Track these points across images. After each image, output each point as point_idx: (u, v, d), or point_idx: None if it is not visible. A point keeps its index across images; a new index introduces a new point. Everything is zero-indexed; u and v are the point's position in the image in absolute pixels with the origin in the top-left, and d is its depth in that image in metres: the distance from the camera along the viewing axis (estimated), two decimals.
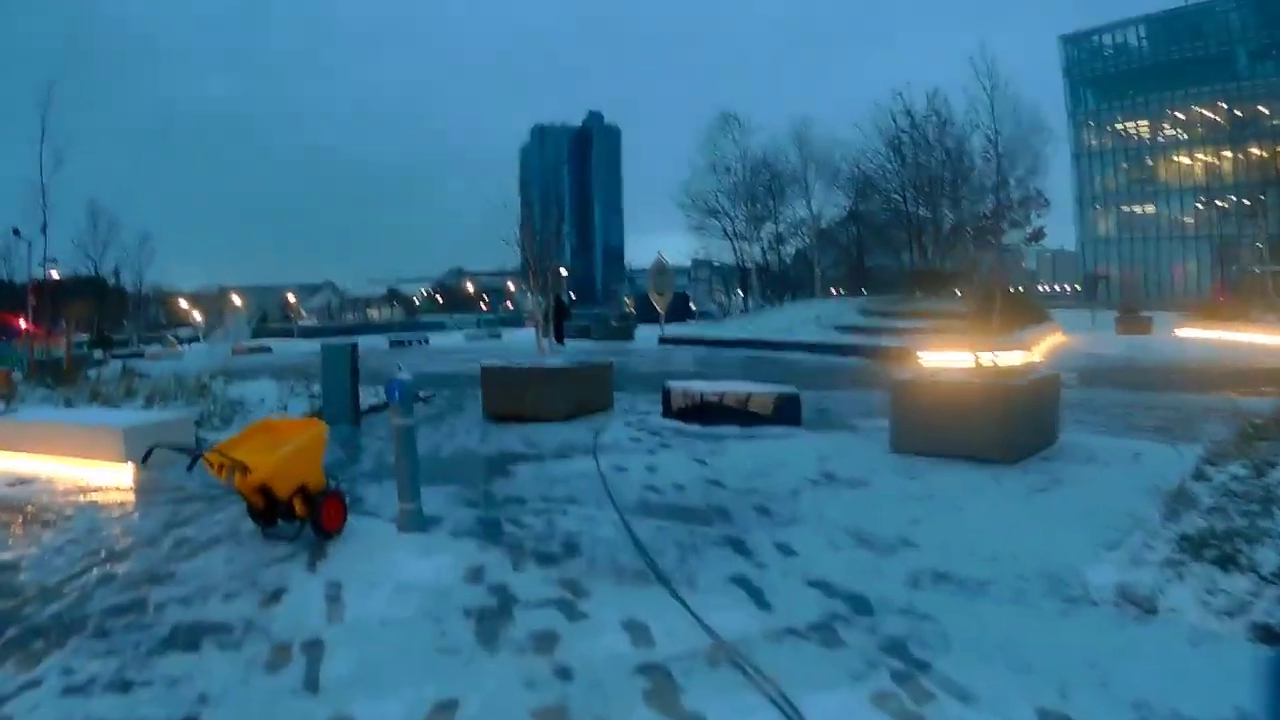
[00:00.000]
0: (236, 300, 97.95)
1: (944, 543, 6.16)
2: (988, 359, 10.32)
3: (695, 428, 11.40)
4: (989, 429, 8.87)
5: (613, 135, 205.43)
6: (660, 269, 44.02)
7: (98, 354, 38.70)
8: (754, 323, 35.50)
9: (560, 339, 37.28)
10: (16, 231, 28.61)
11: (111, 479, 8.94)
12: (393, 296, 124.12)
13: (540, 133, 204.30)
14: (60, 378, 16.18)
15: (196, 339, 61.77)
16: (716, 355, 28.28)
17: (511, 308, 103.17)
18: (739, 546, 6.22)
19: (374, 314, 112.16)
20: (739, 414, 11.36)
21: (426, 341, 45.35)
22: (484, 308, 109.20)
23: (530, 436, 11.21)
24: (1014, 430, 8.98)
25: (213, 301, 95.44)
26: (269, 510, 6.61)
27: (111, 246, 63.14)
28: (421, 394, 15.39)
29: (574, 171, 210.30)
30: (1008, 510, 7.12)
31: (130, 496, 8.43)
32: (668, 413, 12.12)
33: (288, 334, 65.83)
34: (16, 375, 15.79)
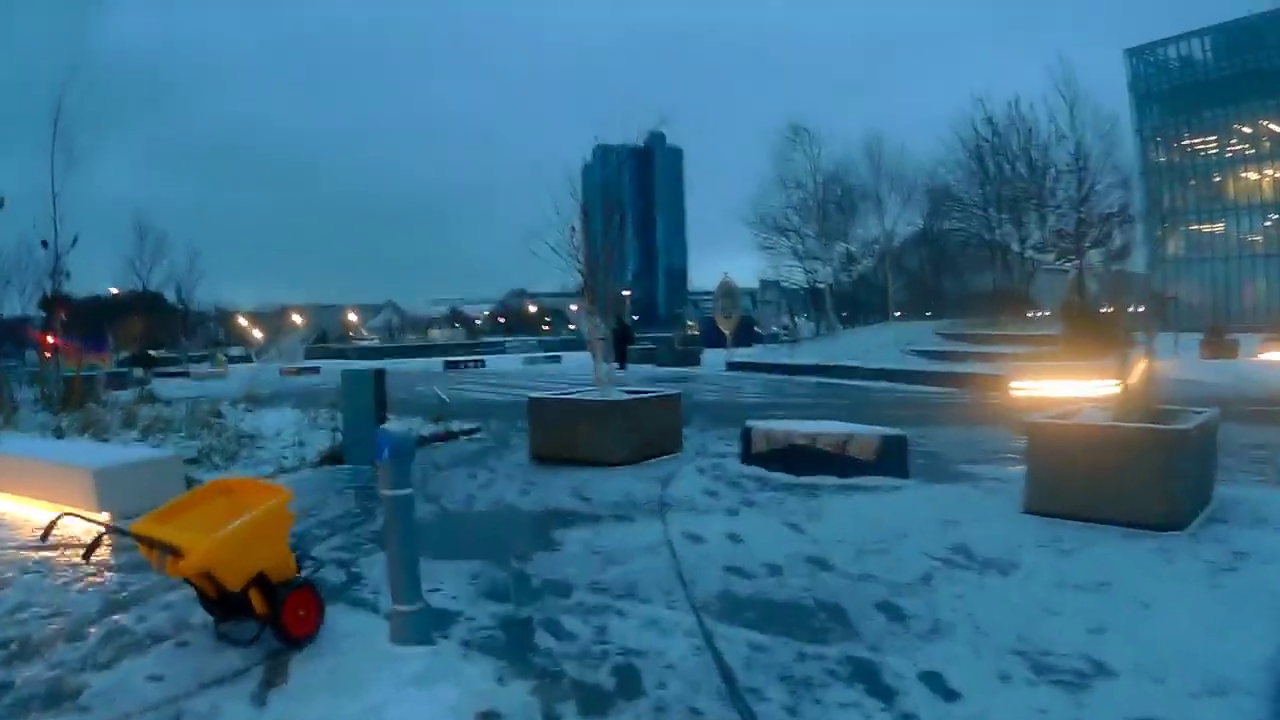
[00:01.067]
0: (297, 318, 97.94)
1: (1147, 664, 4.30)
2: (1121, 384, 8.16)
3: (782, 476, 9.44)
4: (1148, 487, 6.89)
5: (675, 155, 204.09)
6: (727, 291, 42.06)
7: (138, 373, 37.70)
8: (827, 348, 33.35)
9: (622, 364, 35.45)
10: (45, 244, 27.80)
11: (74, 529, 7.21)
12: (455, 317, 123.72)
13: (602, 152, 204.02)
14: (67, 401, 14.64)
15: (248, 358, 61.16)
16: (789, 383, 26.20)
17: (573, 329, 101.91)
18: (872, 680, 4.26)
19: (435, 335, 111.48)
20: (834, 461, 9.36)
21: (482, 364, 43.89)
22: (545, 330, 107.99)
23: (583, 486, 9.34)
24: (1178, 488, 6.97)
25: (273, 319, 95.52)
26: (223, 599, 4.84)
27: (159, 263, 62.76)
28: (463, 429, 13.67)
29: (636, 191, 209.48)
30: (1199, 603, 5.22)
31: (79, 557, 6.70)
32: (748, 457, 10.18)
33: (342, 354, 64.99)
34: (22, 395, 14.29)
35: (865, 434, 9.55)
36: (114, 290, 67.12)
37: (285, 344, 58.83)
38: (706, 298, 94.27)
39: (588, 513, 8.15)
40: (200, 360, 52.92)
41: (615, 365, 36.25)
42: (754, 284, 57.84)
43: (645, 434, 11.00)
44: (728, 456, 10.93)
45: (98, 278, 63.22)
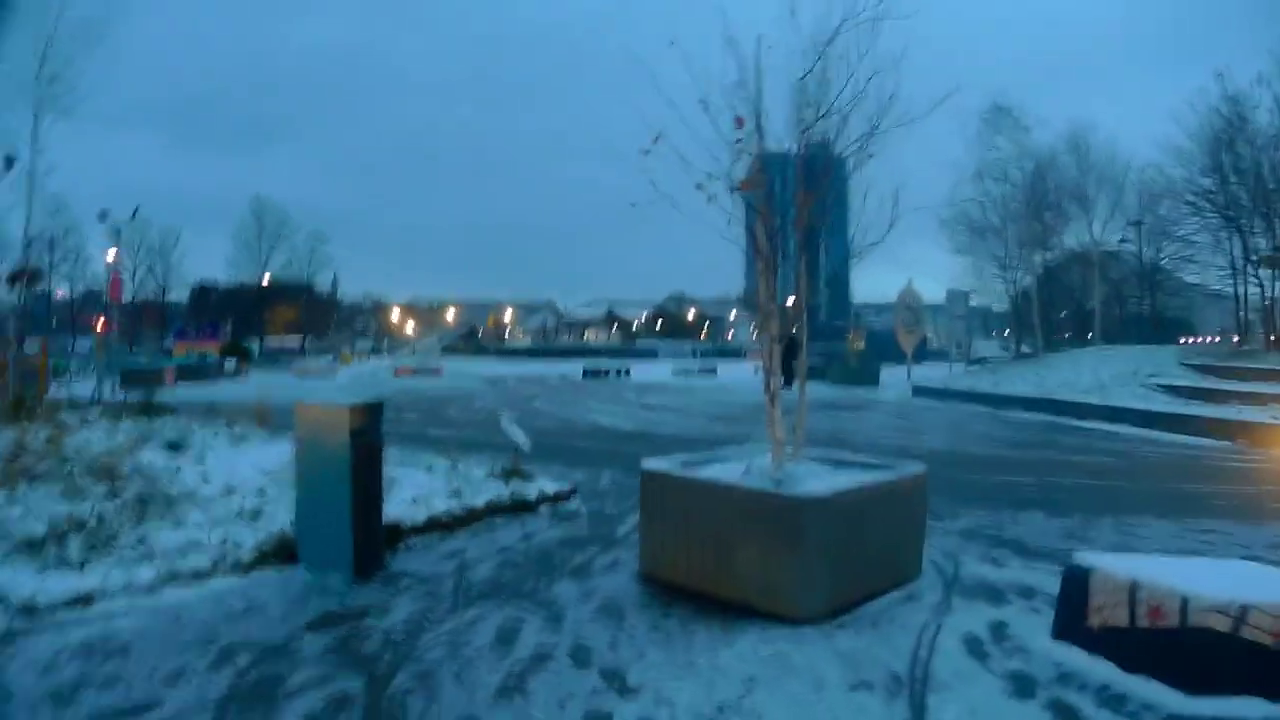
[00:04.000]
0: (450, 314, 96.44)
1: None
2: None
3: (1170, 697, 3.96)
4: None
5: (838, 162, 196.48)
6: (910, 301, 35.96)
7: (228, 365, 34.56)
8: (1038, 375, 26.78)
9: (789, 380, 29.86)
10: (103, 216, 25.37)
11: None
12: (611, 320, 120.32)
13: (762, 158, 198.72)
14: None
15: (377, 351, 58.60)
16: (1004, 422, 20.11)
17: (730, 338, 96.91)
18: None
19: (591, 336, 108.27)
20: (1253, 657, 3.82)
21: (627, 373, 38.91)
22: (703, 337, 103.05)
23: (740, 680, 4.08)
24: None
25: (426, 314, 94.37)
26: None
27: (279, 249, 61.07)
28: (545, 494, 8.55)
29: (799, 194, 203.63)
30: None
31: None
32: (1073, 629, 4.68)
33: (482, 352, 61.69)
34: None
35: None
36: (265, 280, 66.04)
37: (421, 340, 55.86)
38: (869, 310, 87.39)
39: None
40: (323, 354, 50.13)
41: (782, 383, 30.65)
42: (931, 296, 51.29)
43: (860, 559, 5.56)
44: (1013, 605, 5.48)
45: (245, 267, 62.10)
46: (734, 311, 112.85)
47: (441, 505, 7.48)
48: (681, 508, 5.68)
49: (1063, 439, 16.74)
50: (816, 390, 28.87)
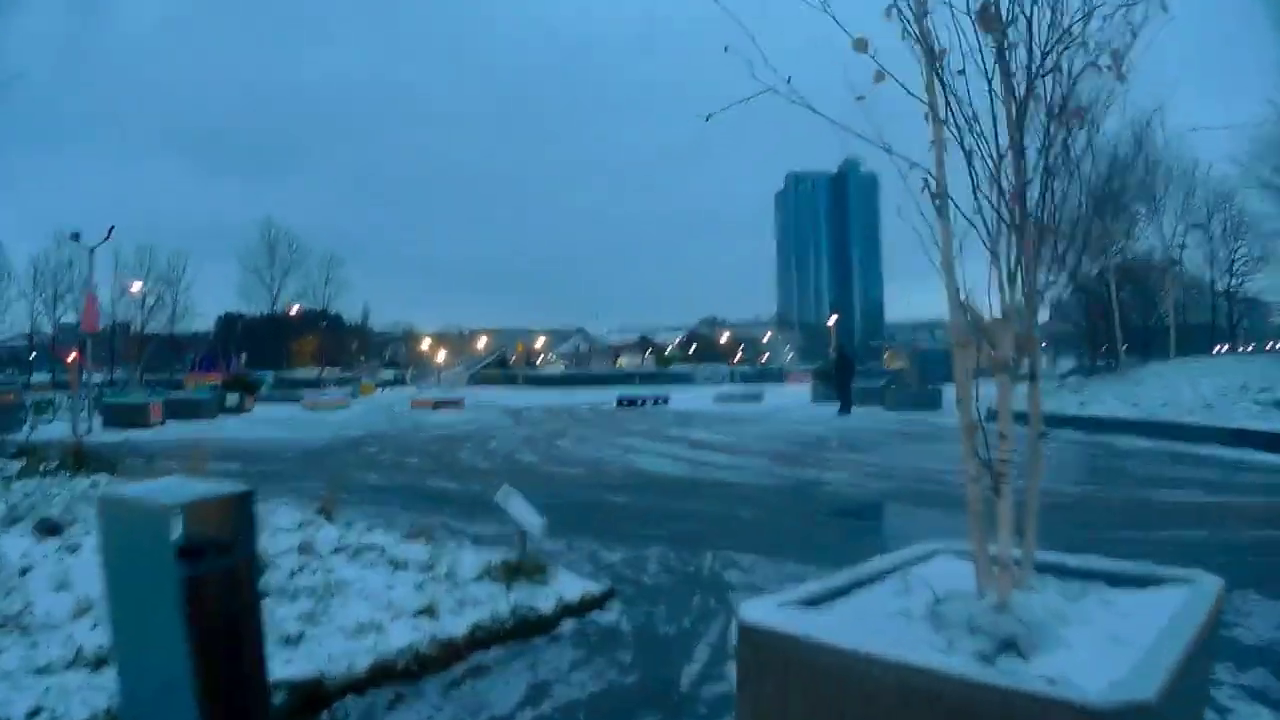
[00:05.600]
0: (481, 342, 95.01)
1: None
2: None
3: None
4: None
5: (869, 183, 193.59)
6: (968, 314, 32.87)
7: (231, 399, 32.10)
8: (1131, 393, 23.64)
9: (847, 405, 27.06)
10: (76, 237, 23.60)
11: None
12: (644, 344, 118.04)
13: (795, 179, 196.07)
14: None
15: (400, 381, 56.24)
16: (1107, 450, 17.13)
17: (765, 360, 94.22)
18: None
19: (623, 362, 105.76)
20: None
21: (665, 401, 35.94)
22: (737, 360, 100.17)
23: None
24: None
25: (457, 342, 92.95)
26: None
27: (293, 275, 59.30)
28: (568, 602, 5.72)
29: (831, 220, 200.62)
30: None
31: None
32: None
33: (512, 381, 59.25)
34: None
35: None
36: (293, 310, 64.28)
37: (447, 369, 53.47)
38: (905, 330, 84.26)
39: None
40: (345, 383, 47.71)
41: (838, 407, 28.36)
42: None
43: None
44: None
45: (256, 294, 60.41)
46: (769, 332, 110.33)
47: (402, 636, 4.71)
48: (824, 709, 2.80)
49: (1194, 472, 13.74)
50: (877, 416, 26.03)
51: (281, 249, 60.72)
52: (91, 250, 26.77)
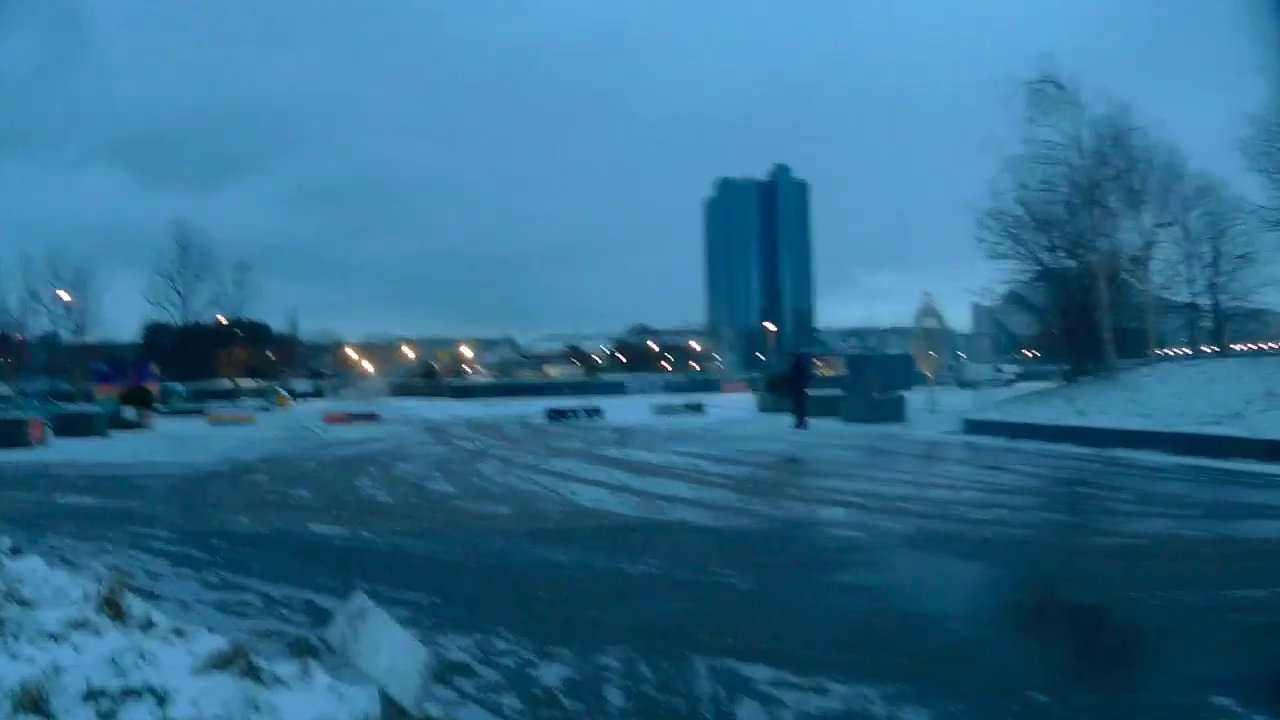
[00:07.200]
0: (406, 351, 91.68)
1: None
2: None
3: None
4: None
5: (799, 190, 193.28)
6: (930, 316, 30.67)
7: (128, 413, 28.64)
8: (1133, 401, 21.34)
9: (801, 416, 24.54)
10: None
11: None
12: (572, 353, 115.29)
13: (725, 186, 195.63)
14: None
15: (317, 393, 52.85)
16: (1126, 469, 14.83)
17: (698, 368, 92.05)
18: None
19: (552, 371, 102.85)
20: None
21: (599, 413, 32.99)
22: (667, 367, 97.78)
23: None
24: None
25: (382, 352, 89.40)
26: None
27: (204, 281, 55.74)
28: None
29: (760, 227, 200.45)
30: None
31: None
32: None
33: (435, 392, 56.25)
34: None
35: None
36: (220, 319, 60.47)
37: (365, 380, 50.18)
38: (831, 335, 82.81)
39: None
40: (256, 395, 44.11)
41: (792, 420, 25.74)
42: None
43: None
44: None
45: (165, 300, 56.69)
46: (699, 341, 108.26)
47: None
48: None
49: (1258, 496, 11.44)
50: (835, 431, 23.49)
51: (193, 253, 56.76)
52: None
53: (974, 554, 8.36)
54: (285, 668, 4.40)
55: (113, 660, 4.30)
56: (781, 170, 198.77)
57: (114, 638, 4.64)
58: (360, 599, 3.51)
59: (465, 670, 4.88)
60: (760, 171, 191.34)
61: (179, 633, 4.89)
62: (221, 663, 4.26)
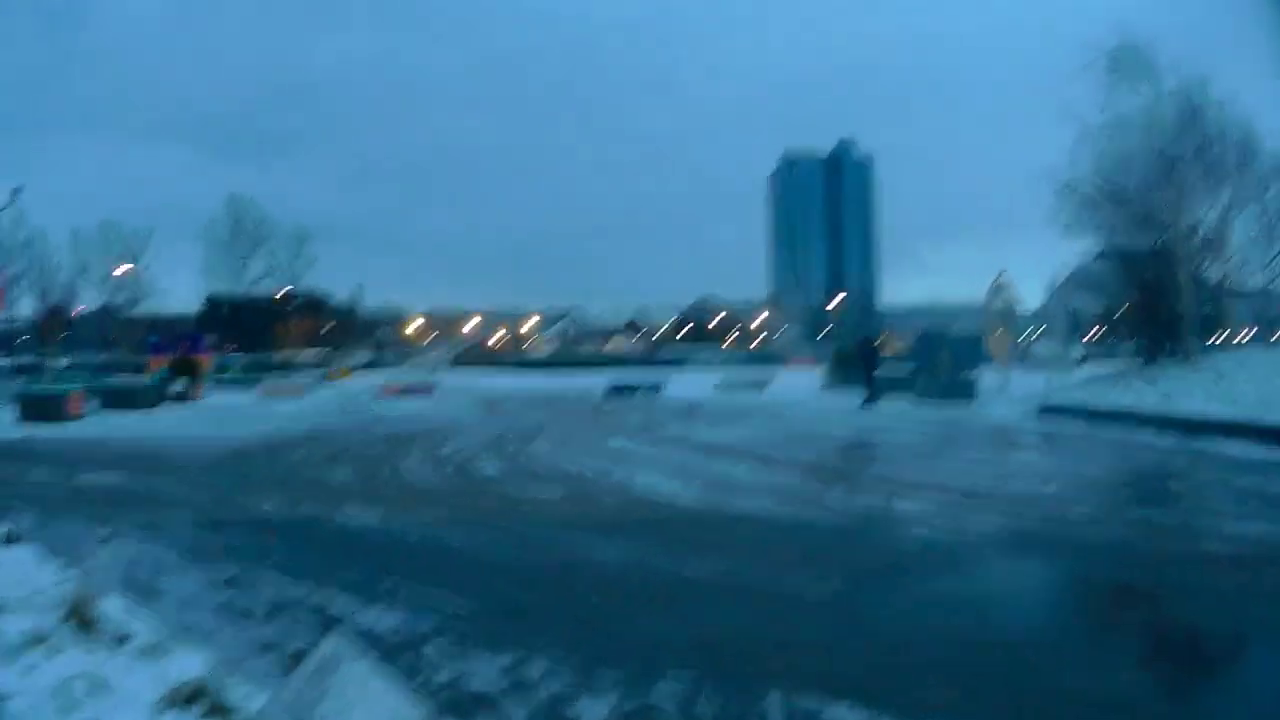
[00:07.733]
0: (471, 324, 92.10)
1: None
2: None
3: None
4: None
5: (864, 165, 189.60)
6: (1002, 293, 29.23)
7: (177, 387, 28.67)
8: (1218, 386, 19.83)
9: (873, 397, 23.66)
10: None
11: None
12: (635, 327, 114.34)
13: (789, 160, 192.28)
14: None
15: (378, 365, 52.90)
16: (1231, 464, 13.42)
17: (761, 343, 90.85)
18: None
19: (614, 344, 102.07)
20: None
21: (658, 390, 32.27)
22: (731, 342, 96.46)
23: None
24: None
25: (446, 324, 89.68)
26: None
27: (262, 253, 56.24)
28: None
29: (824, 202, 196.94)
30: None
31: None
32: None
33: (499, 363, 56.12)
34: None
35: None
36: (279, 291, 61.09)
37: (425, 353, 50.15)
38: (896, 314, 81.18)
39: None
40: (314, 367, 44.19)
41: (860, 398, 24.70)
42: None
43: None
44: None
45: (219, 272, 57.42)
46: (763, 314, 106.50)
47: None
48: None
49: None
50: (904, 412, 22.25)
51: (249, 225, 57.25)
52: None
53: (1076, 560, 7.39)
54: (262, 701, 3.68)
55: (60, 689, 3.62)
56: (846, 145, 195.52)
57: (71, 657, 3.97)
58: (334, 643, 2.74)
59: (488, 705, 4.12)
60: (825, 146, 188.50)
61: (154, 650, 4.21)
62: (184, 699, 3.54)
